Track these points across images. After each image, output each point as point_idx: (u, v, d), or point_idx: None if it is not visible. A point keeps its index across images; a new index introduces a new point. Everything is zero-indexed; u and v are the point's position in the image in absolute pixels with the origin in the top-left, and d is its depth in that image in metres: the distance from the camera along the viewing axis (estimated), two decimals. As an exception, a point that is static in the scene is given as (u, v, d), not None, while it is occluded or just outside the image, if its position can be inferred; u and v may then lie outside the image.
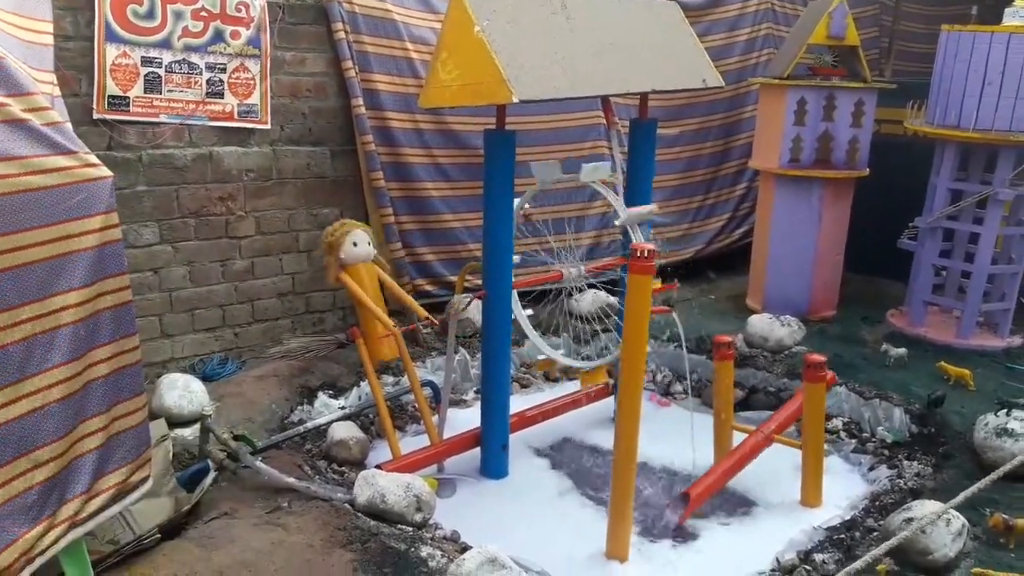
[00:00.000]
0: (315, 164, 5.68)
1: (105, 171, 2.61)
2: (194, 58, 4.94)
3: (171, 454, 3.87)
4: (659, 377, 5.97)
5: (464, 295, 5.53)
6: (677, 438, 5.00)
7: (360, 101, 5.70)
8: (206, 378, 4.99)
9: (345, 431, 4.60)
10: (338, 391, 5.24)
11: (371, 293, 4.91)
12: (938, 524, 3.37)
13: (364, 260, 4.92)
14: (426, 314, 4.90)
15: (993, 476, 3.34)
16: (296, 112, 5.52)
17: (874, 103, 6.19)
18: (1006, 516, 3.56)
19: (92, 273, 2.59)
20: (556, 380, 5.91)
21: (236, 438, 4.11)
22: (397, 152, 6.00)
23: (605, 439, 4.80)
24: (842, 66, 6.29)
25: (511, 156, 4.26)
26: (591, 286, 5.32)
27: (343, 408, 5.01)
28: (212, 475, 3.91)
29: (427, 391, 5.24)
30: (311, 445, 4.60)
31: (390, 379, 5.47)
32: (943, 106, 5.73)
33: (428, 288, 6.24)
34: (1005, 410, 4.32)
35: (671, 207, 7.69)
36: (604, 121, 6.04)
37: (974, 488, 3.21)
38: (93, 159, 2.58)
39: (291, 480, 3.85)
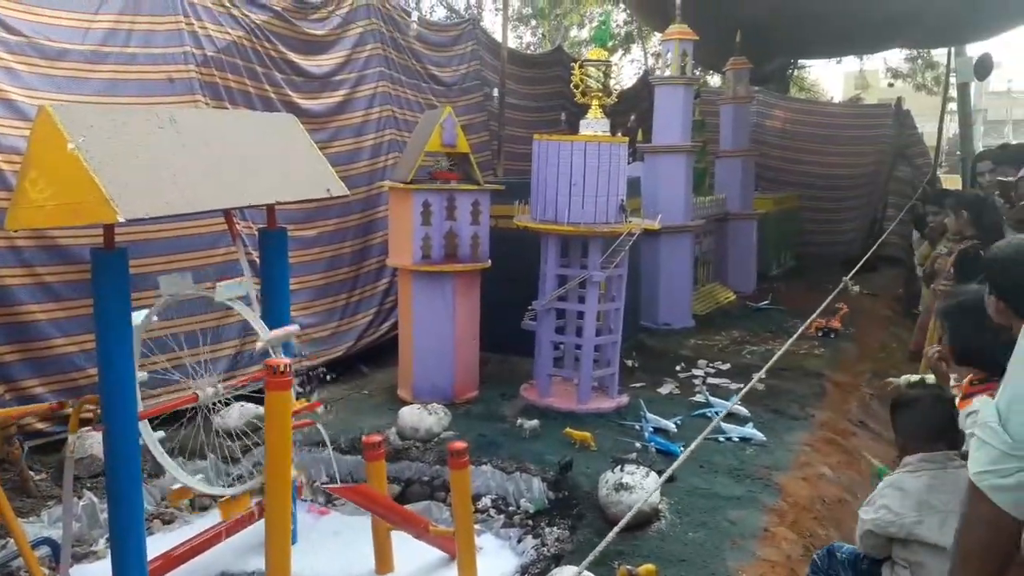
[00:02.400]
0: None
1: None
2: None
3: None
4: (316, 484, 5.82)
5: (84, 429, 4.94)
6: (338, 547, 4.92)
7: (-66, 220, 4.88)
8: None
9: (-70, 622, 3.77)
10: (-80, 571, 4.29)
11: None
12: (573, 587, 3.69)
13: None
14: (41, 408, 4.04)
15: (614, 532, 3.77)
16: None
17: (488, 202, 6.89)
18: (630, 567, 4.02)
19: None
20: (205, 508, 5.46)
21: None
22: (-12, 275, 5.23)
23: (261, 565, 4.52)
24: (458, 170, 6.92)
25: (123, 275, 3.94)
26: (239, 398, 5.07)
27: (-72, 592, 4.10)
28: None
29: (44, 550, 4.51)
30: None
31: (-7, 543, 4.61)
32: (542, 204, 6.58)
33: (39, 426, 5.44)
34: (619, 466, 4.95)
35: (317, 307, 7.71)
36: (234, 229, 5.91)
37: (599, 548, 3.59)
38: None
39: None
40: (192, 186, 3.96)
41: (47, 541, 4.54)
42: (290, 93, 7.46)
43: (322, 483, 5.19)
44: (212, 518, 5.24)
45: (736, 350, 8.92)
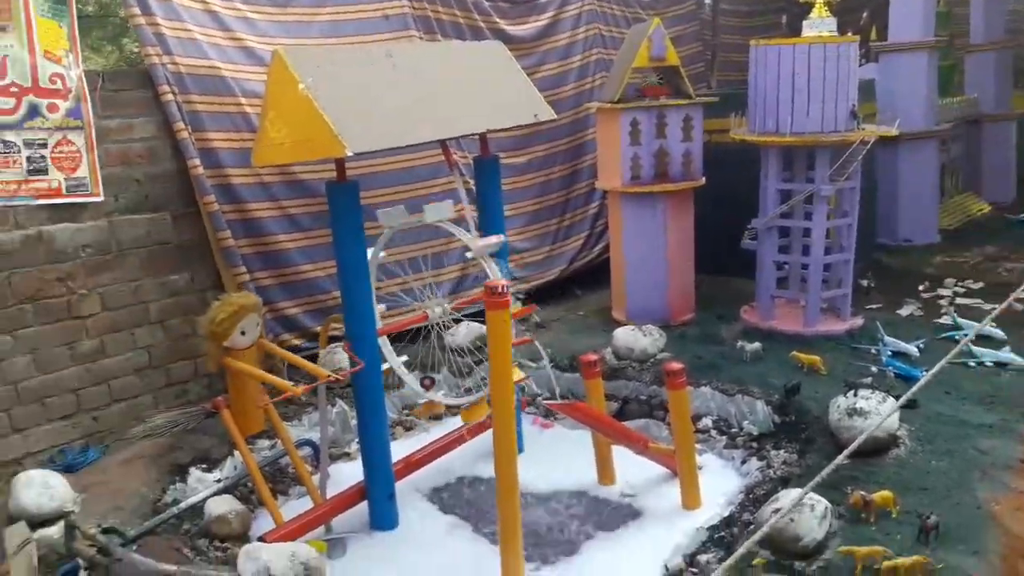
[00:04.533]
0: (156, 231, 5.47)
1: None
2: (8, 136, 4.64)
3: (35, 559, 3.61)
4: (539, 400, 6.05)
5: (333, 346, 5.44)
6: (561, 459, 5.11)
7: (197, 162, 5.54)
8: (68, 469, 4.69)
9: (223, 505, 4.41)
10: (212, 464, 5.02)
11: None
12: (804, 511, 3.55)
13: (249, 346, 4.63)
14: (328, 373, 4.53)
15: (843, 456, 3.55)
16: (130, 180, 5.30)
17: (700, 117, 6.58)
18: (864, 493, 3.80)
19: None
20: (439, 418, 5.89)
21: (105, 531, 3.89)
22: (243, 208, 5.86)
23: (491, 471, 4.82)
24: (668, 85, 6.65)
25: (356, 205, 4.24)
26: (465, 317, 5.34)
27: (219, 481, 4.81)
28: (83, 575, 3.65)
29: (306, 450, 5.11)
30: (189, 525, 4.39)
31: (265, 443, 5.29)
32: (761, 114, 6.17)
33: (296, 342, 6.08)
34: (852, 391, 4.64)
35: (530, 232, 7.88)
36: (451, 158, 6.14)
37: (826, 471, 3.39)
38: None
39: (168, 567, 3.65)
40: (409, 119, 4.16)
41: (308, 442, 5.14)
42: (498, 20, 7.51)
43: (543, 398, 5.37)
44: (446, 427, 5.65)
45: (990, 267, 7.97)
